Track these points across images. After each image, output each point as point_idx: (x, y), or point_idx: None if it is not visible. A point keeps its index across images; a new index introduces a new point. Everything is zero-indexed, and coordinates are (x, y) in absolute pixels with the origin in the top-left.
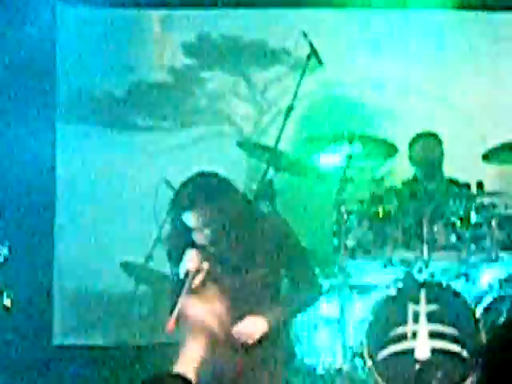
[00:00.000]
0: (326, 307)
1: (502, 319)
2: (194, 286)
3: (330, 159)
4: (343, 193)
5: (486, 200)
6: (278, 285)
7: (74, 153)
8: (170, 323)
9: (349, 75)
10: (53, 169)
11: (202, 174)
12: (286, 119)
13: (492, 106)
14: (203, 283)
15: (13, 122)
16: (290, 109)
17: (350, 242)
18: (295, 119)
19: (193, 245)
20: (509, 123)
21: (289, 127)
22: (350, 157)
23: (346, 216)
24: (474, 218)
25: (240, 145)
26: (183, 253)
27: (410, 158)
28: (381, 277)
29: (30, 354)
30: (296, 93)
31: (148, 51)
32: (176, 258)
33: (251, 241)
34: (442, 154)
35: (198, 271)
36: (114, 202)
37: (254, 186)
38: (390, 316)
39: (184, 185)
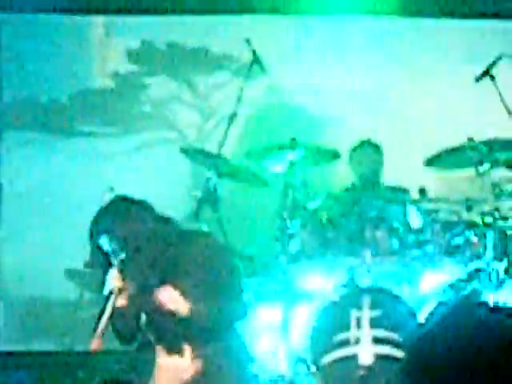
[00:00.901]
0: (269, 313)
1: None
2: (118, 305)
3: (274, 166)
4: (286, 199)
5: (429, 205)
6: (200, 300)
7: (17, 159)
8: (94, 344)
9: (292, 82)
10: None
11: (116, 200)
12: (229, 126)
13: (433, 112)
14: None
15: None
16: (233, 115)
17: (293, 248)
18: (239, 125)
19: None
20: (450, 129)
21: (232, 133)
22: (292, 163)
23: (288, 221)
24: (416, 223)
25: (183, 151)
26: (106, 273)
27: (350, 164)
28: (323, 282)
29: None
30: (239, 99)
31: (92, 57)
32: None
33: (170, 261)
34: (381, 162)
35: (121, 290)
36: (58, 208)
37: (198, 192)
38: (332, 322)
39: (100, 211)
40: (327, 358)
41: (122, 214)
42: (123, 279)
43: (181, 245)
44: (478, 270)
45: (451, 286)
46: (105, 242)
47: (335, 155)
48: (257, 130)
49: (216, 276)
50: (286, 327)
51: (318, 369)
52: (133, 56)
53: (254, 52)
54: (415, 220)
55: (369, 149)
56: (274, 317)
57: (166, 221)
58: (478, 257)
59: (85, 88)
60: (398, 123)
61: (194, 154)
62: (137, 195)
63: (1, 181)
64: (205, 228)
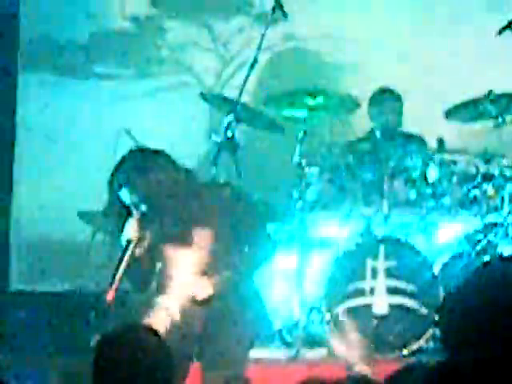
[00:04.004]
0: (284, 260)
1: (459, 276)
2: (136, 255)
3: (293, 112)
4: (304, 146)
5: (447, 157)
6: (226, 249)
7: (34, 100)
8: (110, 294)
9: (313, 29)
10: (12, 116)
11: (134, 151)
12: (249, 72)
13: (455, 63)
14: None
15: None
16: (254, 62)
17: (310, 196)
18: (257, 71)
19: None
20: (470, 81)
21: (251, 80)
22: (312, 110)
23: (306, 169)
24: (434, 174)
25: (203, 96)
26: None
27: (370, 112)
28: (339, 231)
29: None
30: (260, 45)
31: None
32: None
33: (193, 210)
34: (401, 111)
35: (140, 239)
36: (73, 150)
37: (217, 137)
38: (348, 271)
39: (118, 164)
40: (341, 307)
41: (141, 166)
42: (142, 229)
43: (202, 195)
44: (494, 223)
45: (467, 237)
46: (125, 195)
47: (355, 103)
48: (275, 76)
49: (238, 224)
50: (300, 275)
51: (332, 317)
52: None
53: None
54: (433, 171)
55: (390, 97)
56: (289, 264)
57: (186, 172)
58: (495, 210)
59: (103, 30)
60: (418, 73)
61: (214, 99)
62: (153, 138)
63: (17, 120)
64: (222, 173)
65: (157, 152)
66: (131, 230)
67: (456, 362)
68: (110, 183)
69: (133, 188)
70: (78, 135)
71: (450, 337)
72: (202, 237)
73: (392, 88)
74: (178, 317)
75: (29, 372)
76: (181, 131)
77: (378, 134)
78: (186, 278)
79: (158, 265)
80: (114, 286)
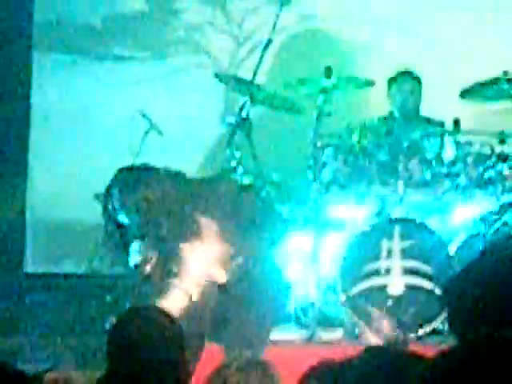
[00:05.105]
0: (299, 240)
1: (475, 257)
2: (146, 274)
3: (307, 93)
4: (320, 127)
5: (463, 138)
6: (236, 236)
7: (48, 82)
8: None
9: (327, 9)
10: (27, 97)
11: (120, 171)
12: (263, 53)
13: (471, 43)
14: None
15: None
16: (268, 42)
17: (325, 176)
18: (272, 52)
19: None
20: (486, 61)
21: (266, 60)
22: (326, 91)
23: (321, 150)
24: (450, 155)
25: (218, 76)
26: (129, 245)
27: (389, 94)
28: (355, 212)
29: (1, 282)
30: (274, 26)
31: None
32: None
33: (192, 209)
34: (420, 93)
35: (146, 260)
36: (89, 132)
37: (231, 118)
38: (363, 251)
39: (108, 187)
40: (357, 288)
41: (129, 185)
42: (146, 250)
43: (199, 193)
44: (509, 203)
45: (482, 218)
46: (123, 218)
47: (369, 84)
48: (289, 57)
49: (243, 216)
50: (316, 255)
51: (347, 298)
52: None
53: None
54: (448, 152)
55: (409, 79)
56: (305, 244)
57: (176, 176)
58: (511, 190)
59: (118, 11)
60: (434, 53)
61: (229, 79)
62: (169, 120)
63: (33, 101)
64: (238, 154)
65: (141, 168)
66: (136, 254)
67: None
68: (105, 208)
69: (128, 210)
70: (93, 118)
71: (457, 319)
72: (209, 228)
73: (411, 70)
74: (195, 297)
75: (43, 354)
76: (196, 112)
77: (396, 114)
78: (200, 268)
79: (172, 265)
80: None
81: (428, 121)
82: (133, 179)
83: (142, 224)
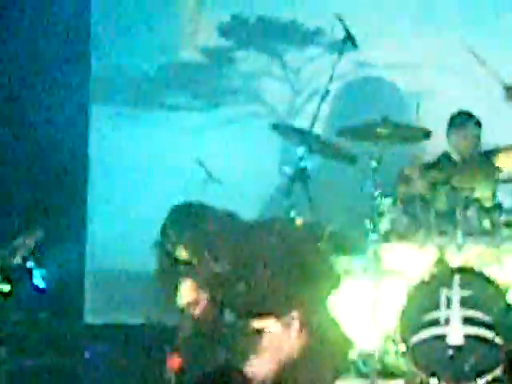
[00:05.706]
0: (358, 291)
1: None
2: (196, 317)
3: (364, 143)
4: (377, 176)
5: None
6: (288, 287)
7: (106, 132)
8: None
9: (383, 57)
10: (85, 149)
11: (175, 208)
12: (321, 102)
13: None
14: None
15: (45, 102)
16: (326, 92)
17: (384, 226)
18: (328, 100)
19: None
20: None
21: (323, 109)
22: (383, 140)
23: (379, 199)
24: (507, 202)
25: (274, 127)
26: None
27: (448, 136)
28: (414, 261)
29: (62, 332)
30: (332, 76)
31: (182, 31)
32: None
33: (244, 250)
34: (480, 136)
35: (197, 301)
36: (146, 181)
37: (288, 168)
38: (422, 301)
39: (165, 221)
40: (416, 338)
41: (187, 219)
42: (197, 289)
43: (254, 237)
44: None
45: None
46: (182, 253)
47: (426, 134)
48: (345, 105)
49: (297, 260)
50: (375, 305)
51: (407, 348)
52: (223, 30)
53: (346, 30)
54: (506, 199)
55: (470, 121)
56: (364, 295)
57: (231, 215)
58: None
59: (174, 61)
60: (489, 98)
61: (285, 129)
62: (225, 170)
63: (90, 152)
64: (295, 205)
65: (196, 204)
66: (185, 294)
67: None
68: (160, 244)
69: (185, 245)
70: (151, 166)
71: None
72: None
73: (470, 112)
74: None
75: None
76: (253, 161)
77: (455, 157)
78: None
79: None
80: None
81: (484, 166)
82: (191, 214)
83: (198, 259)
